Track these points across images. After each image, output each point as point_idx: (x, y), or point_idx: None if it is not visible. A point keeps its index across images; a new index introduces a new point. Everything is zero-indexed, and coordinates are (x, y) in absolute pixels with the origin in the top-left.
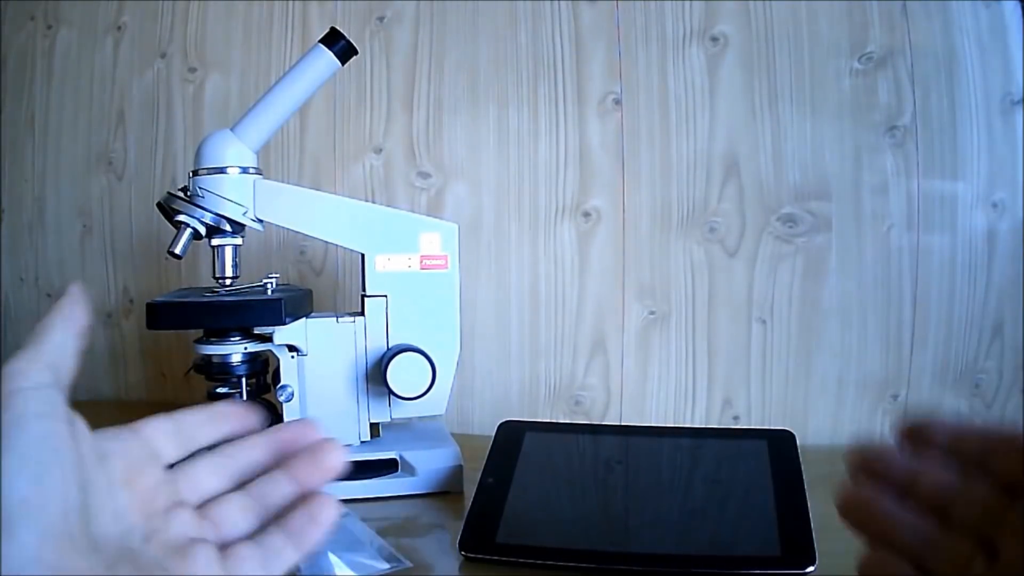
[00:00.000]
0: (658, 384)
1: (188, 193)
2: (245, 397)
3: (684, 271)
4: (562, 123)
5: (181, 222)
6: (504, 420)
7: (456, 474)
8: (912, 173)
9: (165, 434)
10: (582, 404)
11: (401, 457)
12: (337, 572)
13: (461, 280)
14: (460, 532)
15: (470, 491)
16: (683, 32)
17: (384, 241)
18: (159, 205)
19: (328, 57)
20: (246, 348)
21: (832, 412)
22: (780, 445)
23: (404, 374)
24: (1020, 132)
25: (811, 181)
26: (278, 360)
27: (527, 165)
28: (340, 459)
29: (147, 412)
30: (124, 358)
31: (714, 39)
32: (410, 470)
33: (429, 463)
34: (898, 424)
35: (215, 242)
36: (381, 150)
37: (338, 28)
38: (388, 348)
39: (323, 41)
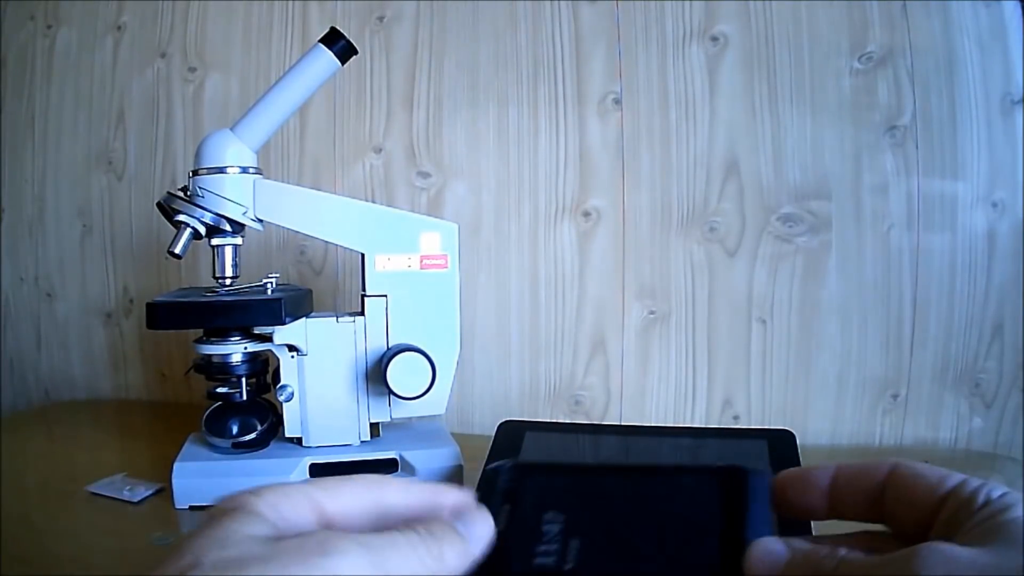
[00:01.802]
0: (658, 384)
1: (188, 193)
2: (245, 397)
3: (684, 271)
4: (562, 123)
5: (181, 222)
6: (504, 420)
7: (456, 474)
8: (912, 173)
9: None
10: (582, 404)
11: (401, 457)
12: None
13: (461, 280)
14: None
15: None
16: (683, 32)
17: (384, 241)
18: (159, 205)
19: (328, 57)
20: (246, 348)
21: (832, 412)
22: (780, 445)
23: (404, 374)
24: (1020, 132)
25: (811, 181)
26: (278, 360)
27: (527, 165)
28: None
29: (147, 412)
30: (124, 358)
31: (714, 39)
32: (410, 470)
33: (429, 463)
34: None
35: (215, 242)
36: (381, 150)
37: (338, 28)
38: (388, 348)
39: (323, 41)
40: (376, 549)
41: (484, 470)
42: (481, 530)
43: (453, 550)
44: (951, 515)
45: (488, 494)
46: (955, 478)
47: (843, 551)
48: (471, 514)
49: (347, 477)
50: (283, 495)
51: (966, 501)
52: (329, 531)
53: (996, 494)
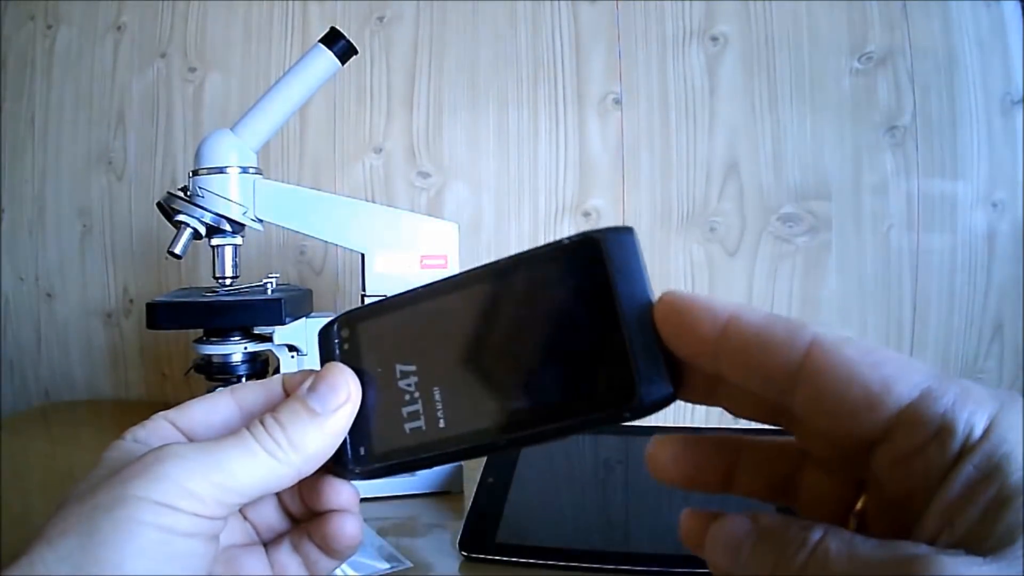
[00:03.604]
0: None
1: (188, 193)
2: None
3: (684, 271)
4: (562, 123)
5: (181, 222)
6: None
7: (456, 474)
8: (912, 173)
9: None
10: None
11: None
12: (337, 572)
13: None
14: (460, 532)
15: (470, 491)
16: (683, 32)
17: (384, 241)
18: (159, 205)
19: (328, 57)
20: (246, 348)
21: None
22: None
23: None
24: (1020, 132)
25: (811, 181)
26: (278, 360)
27: (527, 165)
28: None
29: (147, 411)
30: (124, 358)
31: (714, 39)
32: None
33: None
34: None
35: (215, 242)
36: (381, 150)
37: (338, 28)
38: None
39: (323, 41)
40: (214, 451)
41: (319, 334)
42: (335, 398)
43: (303, 431)
44: (906, 452)
45: (327, 359)
46: (904, 389)
47: (817, 533)
48: (320, 382)
49: (207, 395)
50: (143, 428)
51: (935, 442)
52: (172, 443)
53: (978, 428)
